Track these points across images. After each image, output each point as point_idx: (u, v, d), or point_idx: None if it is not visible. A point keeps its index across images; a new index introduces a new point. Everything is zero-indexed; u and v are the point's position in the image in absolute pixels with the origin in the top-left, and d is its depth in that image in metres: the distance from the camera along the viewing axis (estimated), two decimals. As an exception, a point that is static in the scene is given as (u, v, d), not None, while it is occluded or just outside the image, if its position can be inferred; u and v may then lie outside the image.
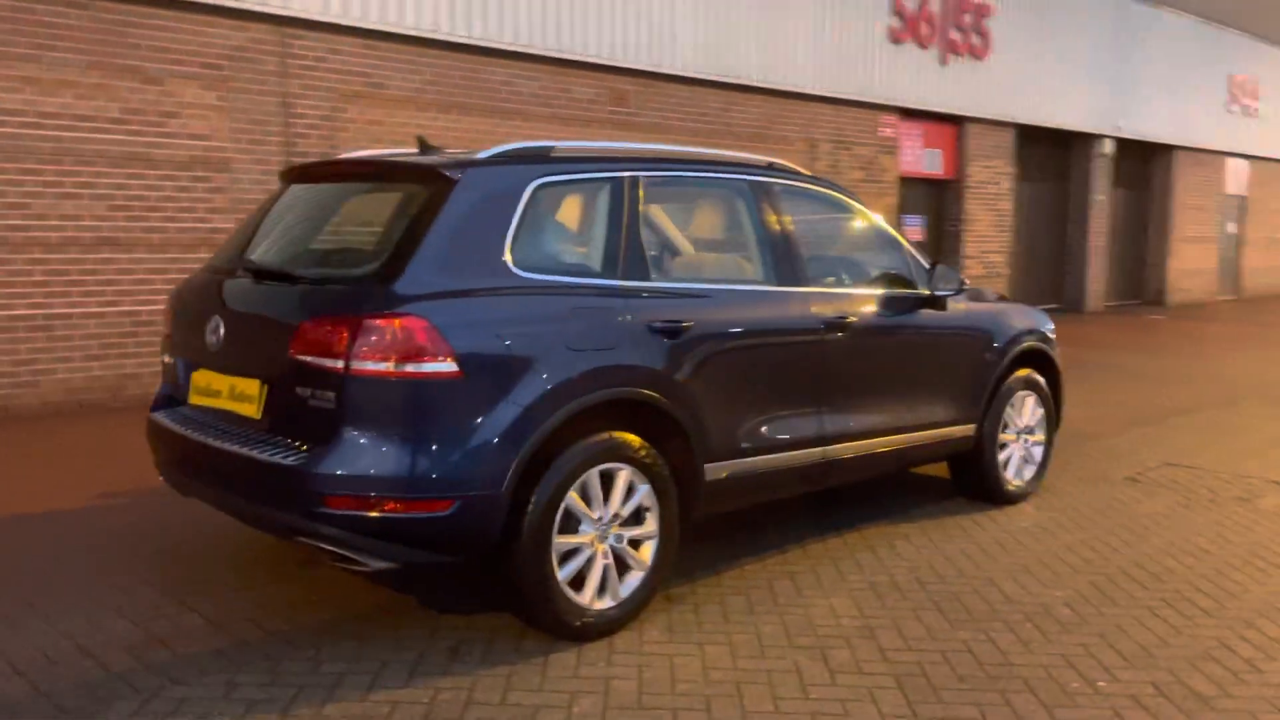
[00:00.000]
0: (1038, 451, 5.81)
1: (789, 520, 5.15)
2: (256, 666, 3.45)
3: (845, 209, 5.10)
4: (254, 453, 3.50)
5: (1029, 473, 5.75)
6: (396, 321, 3.32)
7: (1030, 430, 5.74)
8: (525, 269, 3.64)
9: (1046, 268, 17.75)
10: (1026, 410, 5.68)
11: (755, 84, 12.17)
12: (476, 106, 9.87)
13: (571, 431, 3.61)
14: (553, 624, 3.65)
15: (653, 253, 4.13)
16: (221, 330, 3.78)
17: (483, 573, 3.75)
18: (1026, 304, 6.52)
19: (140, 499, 5.34)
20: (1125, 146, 18.29)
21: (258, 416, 3.63)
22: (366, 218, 4.06)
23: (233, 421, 3.73)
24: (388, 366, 3.30)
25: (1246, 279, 22.70)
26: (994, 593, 4.24)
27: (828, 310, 4.55)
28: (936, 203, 15.36)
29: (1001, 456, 5.56)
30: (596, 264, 3.89)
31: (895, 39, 13.85)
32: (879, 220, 5.18)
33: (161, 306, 6.21)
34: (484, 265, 3.56)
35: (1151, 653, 3.69)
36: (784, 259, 4.49)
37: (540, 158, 3.90)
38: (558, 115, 10.47)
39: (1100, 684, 3.44)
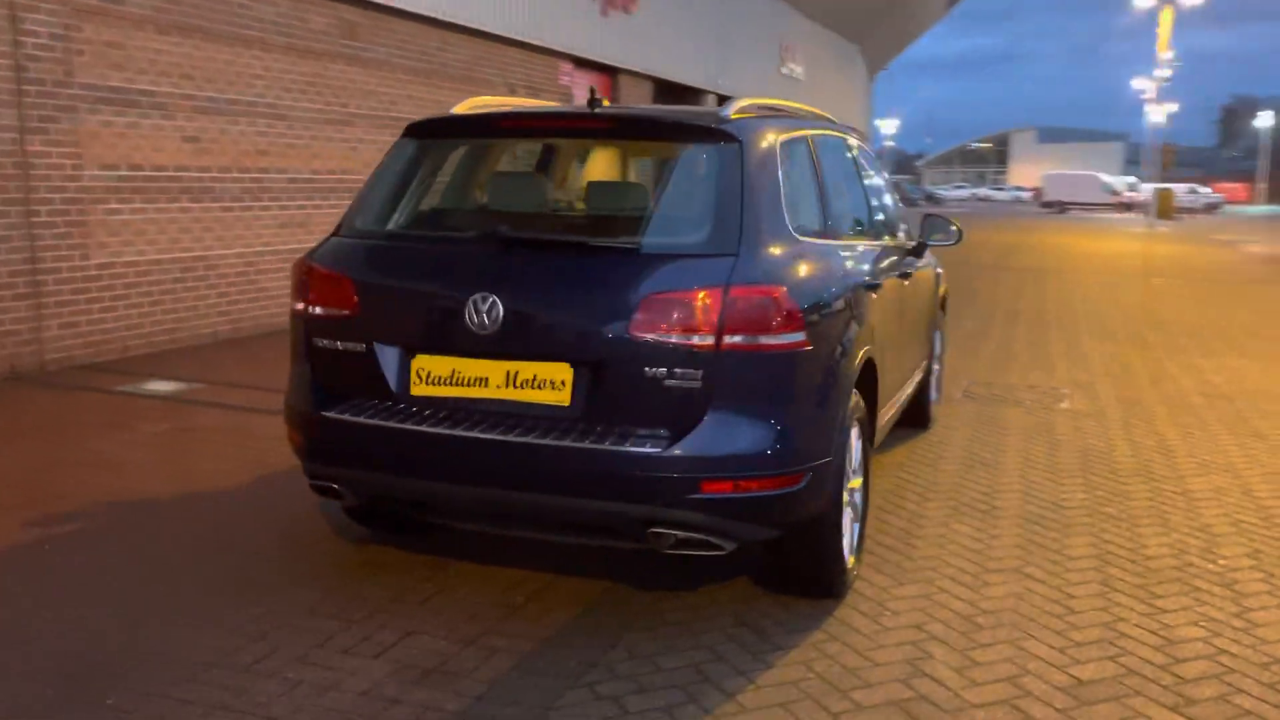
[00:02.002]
0: (938, 374, 6.70)
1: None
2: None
3: (874, 163, 5.44)
4: (584, 444, 3.12)
5: (935, 394, 6.62)
6: (764, 292, 3.13)
7: (938, 358, 6.60)
8: (796, 230, 3.55)
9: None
10: (937, 341, 6.51)
11: (465, 24, 11.77)
12: (219, 32, 8.56)
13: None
14: (832, 586, 3.66)
15: (834, 210, 4.19)
16: (500, 310, 3.22)
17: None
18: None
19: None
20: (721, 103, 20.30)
21: (567, 404, 3.19)
22: (636, 177, 3.64)
23: (515, 412, 3.24)
24: (756, 340, 3.11)
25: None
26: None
27: (901, 260, 4.92)
28: (597, 150, 15.95)
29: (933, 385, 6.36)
30: (815, 223, 3.88)
31: (567, -13, 14.09)
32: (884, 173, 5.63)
33: None
34: (779, 228, 3.42)
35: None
36: (875, 213, 4.76)
37: (771, 113, 3.78)
38: (294, 46, 9.39)
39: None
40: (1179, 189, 53.11)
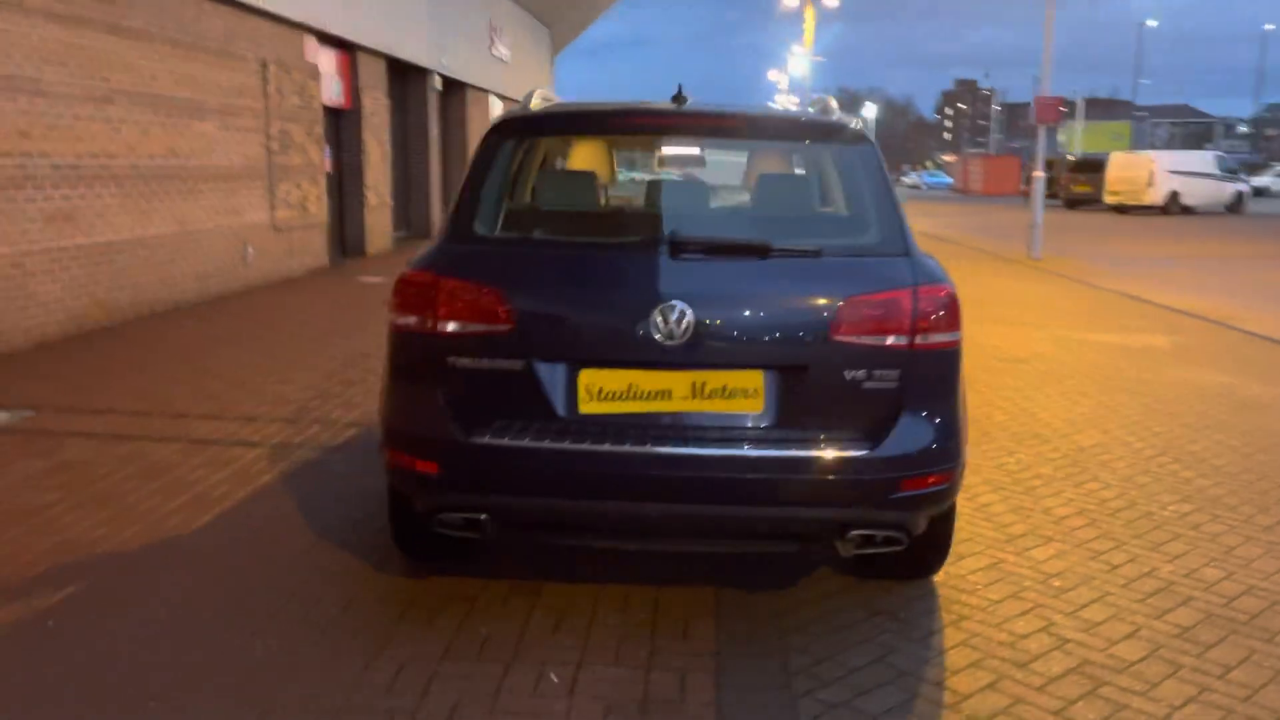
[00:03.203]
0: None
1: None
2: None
3: None
4: (785, 451, 3.08)
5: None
6: (944, 291, 3.22)
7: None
8: None
9: (412, 199, 18.53)
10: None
11: (219, -7, 10.67)
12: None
13: None
14: (937, 566, 3.83)
15: None
16: (690, 319, 3.07)
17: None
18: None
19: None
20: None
21: (759, 410, 3.13)
22: (779, 177, 3.54)
23: (702, 424, 3.13)
24: (938, 338, 3.20)
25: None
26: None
27: None
28: (340, 133, 15.02)
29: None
30: None
31: (307, -43, 13.12)
32: None
33: None
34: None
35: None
36: None
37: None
38: (52, 11, 8.07)
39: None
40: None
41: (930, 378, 3.22)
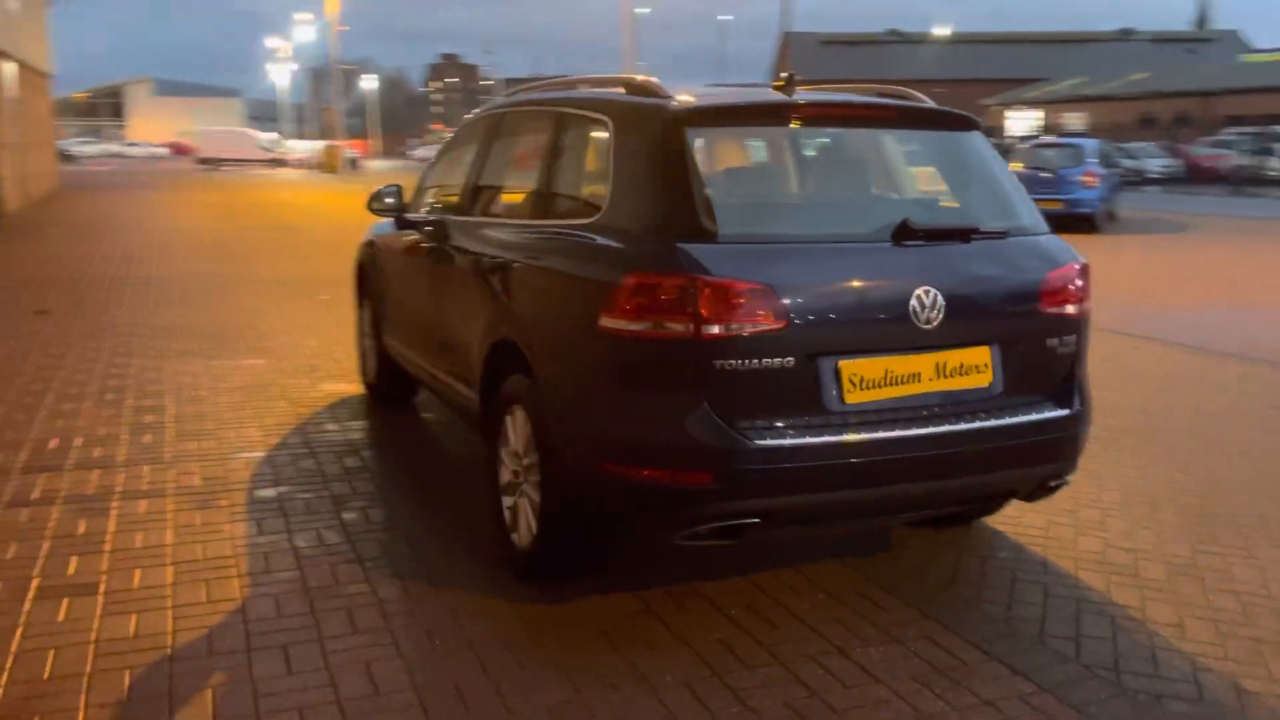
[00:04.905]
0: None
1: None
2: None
3: None
4: (1015, 418, 3.37)
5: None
6: (1087, 266, 3.67)
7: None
8: None
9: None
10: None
11: None
12: None
13: None
14: None
15: None
16: (941, 303, 3.22)
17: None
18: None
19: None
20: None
21: (988, 383, 3.37)
22: (919, 164, 3.64)
23: (944, 402, 3.30)
24: (1088, 305, 3.64)
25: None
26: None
27: None
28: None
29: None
30: None
31: None
32: None
33: None
34: None
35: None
36: None
37: None
38: None
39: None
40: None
41: (1085, 341, 3.68)
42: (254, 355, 7.42)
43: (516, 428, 3.71)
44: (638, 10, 45.26)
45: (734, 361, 3.05)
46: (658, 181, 3.28)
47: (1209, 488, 4.81)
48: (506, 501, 3.84)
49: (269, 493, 4.56)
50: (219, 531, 4.09)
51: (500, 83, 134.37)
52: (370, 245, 6.10)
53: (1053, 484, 3.60)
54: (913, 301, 3.22)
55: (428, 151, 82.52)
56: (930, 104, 3.85)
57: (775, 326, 3.08)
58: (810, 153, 3.85)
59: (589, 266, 3.38)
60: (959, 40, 76.94)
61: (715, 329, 3.03)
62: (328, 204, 26.31)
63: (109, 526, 4.11)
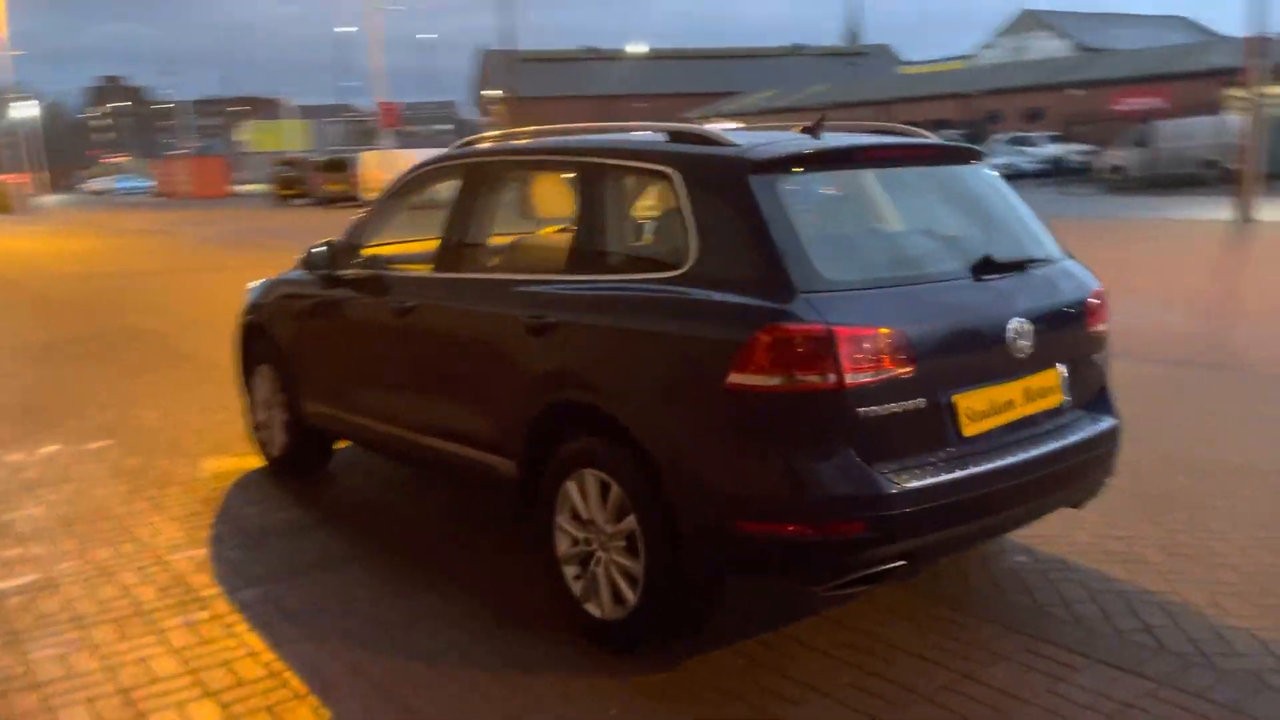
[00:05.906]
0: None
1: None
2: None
3: None
4: (1089, 432, 3.63)
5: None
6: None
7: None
8: None
9: None
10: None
11: None
12: None
13: None
14: None
15: None
16: (1029, 333, 3.41)
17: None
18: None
19: None
20: None
21: (1060, 403, 3.61)
22: (953, 200, 3.93)
23: (1033, 423, 3.50)
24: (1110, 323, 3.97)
25: None
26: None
27: None
28: None
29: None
30: None
31: None
32: None
33: None
34: None
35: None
36: None
37: None
38: None
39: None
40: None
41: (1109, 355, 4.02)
42: (97, 437, 6.51)
43: (588, 493, 3.53)
44: (339, 29, 43.74)
45: (874, 408, 3.08)
46: (755, 233, 3.22)
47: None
48: (570, 571, 3.65)
49: (249, 594, 4.07)
50: (243, 650, 3.59)
51: (187, 105, 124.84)
52: (260, 308, 5.55)
53: (1099, 490, 3.91)
54: (1009, 332, 3.39)
55: (102, 184, 75.46)
56: (951, 143, 4.10)
57: (908, 369, 3.14)
58: (881, 194, 3.94)
59: (696, 324, 3.27)
60: (653, 57, 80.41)
61: (858, 377, 3.04)
62: (34, 251, 23.56)
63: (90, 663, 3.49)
